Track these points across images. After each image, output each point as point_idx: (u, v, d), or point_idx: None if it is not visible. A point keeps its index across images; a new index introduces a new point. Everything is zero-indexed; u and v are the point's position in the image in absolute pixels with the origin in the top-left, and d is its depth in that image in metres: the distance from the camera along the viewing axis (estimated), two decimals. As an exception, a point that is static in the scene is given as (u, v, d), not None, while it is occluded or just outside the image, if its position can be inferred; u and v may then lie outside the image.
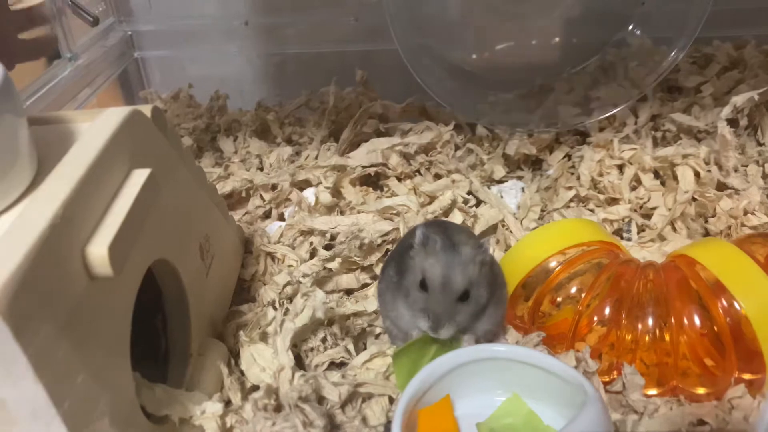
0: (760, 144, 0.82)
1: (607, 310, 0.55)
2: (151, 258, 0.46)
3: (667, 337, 0.53)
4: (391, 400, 0.52)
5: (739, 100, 0.74)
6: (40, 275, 0.34)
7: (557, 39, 0.93)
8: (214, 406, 0.47)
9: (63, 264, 0.36)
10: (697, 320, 0.52)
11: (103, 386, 0.39)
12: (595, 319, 0.55)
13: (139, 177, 0.43)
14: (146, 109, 0.49)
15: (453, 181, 0.76)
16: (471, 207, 0.73)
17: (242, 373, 0.55)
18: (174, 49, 1.11)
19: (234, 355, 0.57)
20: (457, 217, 0.70)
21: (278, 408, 0.49)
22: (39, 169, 0.43)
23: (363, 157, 0.80)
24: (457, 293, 0.50)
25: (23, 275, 0.32)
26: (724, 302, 0.51)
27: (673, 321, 0.52)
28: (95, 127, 0.44)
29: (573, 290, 0.57)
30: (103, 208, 0.40)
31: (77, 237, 0.37)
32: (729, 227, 0.68)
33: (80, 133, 0.46)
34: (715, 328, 0.52)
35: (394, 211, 0.72)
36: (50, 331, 0.34)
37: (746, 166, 0.76)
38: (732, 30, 0.99)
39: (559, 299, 0.58)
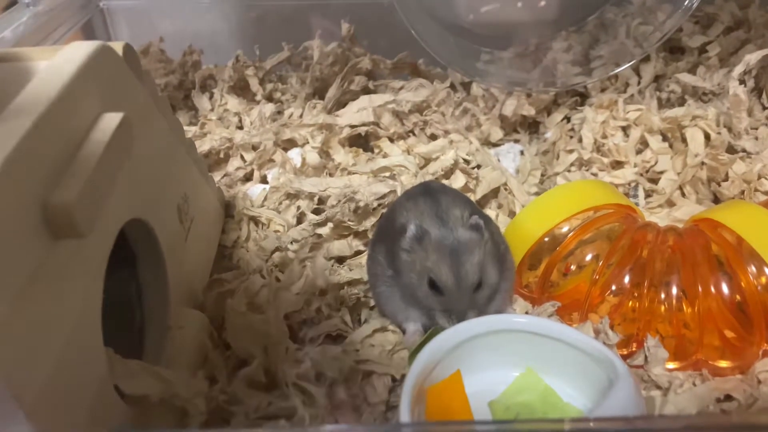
0: (765, 108, 0.78)
1: (626, 279, 0.51)
2: (124, 217, 0.41)
3: (686, 308, 0.49)
4: (394, 380, 0.47)
5: (752, 58, 0.70)
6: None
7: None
8: (198, 384, 0.42)
9: (18, 219, 0.30)
10: (725, 288, 0.48)
11: (71, 365, 0.33)
12: (614, 287, 0.51)
13: (110, 121, 0.37)
14: (117, 47, 0.42)
15: (451, 142, 0.70)
16: (474, 169, 0.68)
17: (227, 347, 0.49)
18: (143, -1, 1.03)
19: (217, 327, 0.52)
20: (459, 180, 0.65)
21: (270, 385, 0.44)
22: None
23: (352, 115, 0.74)
24: (472, 286, 0.47)
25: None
26: (754, 268, 0.48)
27: (700, 289, 0.48)
28: (57, 62, 0.37)
29: (588, 258, 0.53)
30: (67, 154, 0.34)
31: (35, 187, 0.31)
32: (742, 192, 0.65)
33: (39, 71, 0.40)
34: (738, 297, 0.49)
35: (390, 173, 0.66)
36: (5, 300, 0.29)
37: (756, 129, 0.73)
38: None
39: (572, 267, 0.54)
